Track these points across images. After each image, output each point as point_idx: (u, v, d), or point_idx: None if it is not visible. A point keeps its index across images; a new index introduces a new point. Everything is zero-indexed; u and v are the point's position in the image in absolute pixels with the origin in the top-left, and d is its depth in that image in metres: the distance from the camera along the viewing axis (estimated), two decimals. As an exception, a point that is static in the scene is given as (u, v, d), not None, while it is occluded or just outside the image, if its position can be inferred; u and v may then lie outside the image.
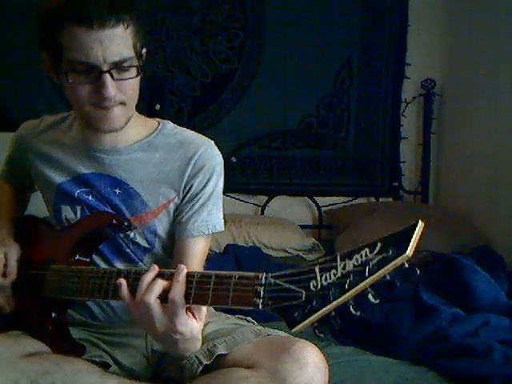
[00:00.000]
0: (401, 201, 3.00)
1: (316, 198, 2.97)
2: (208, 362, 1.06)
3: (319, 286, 0.75)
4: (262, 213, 2.94)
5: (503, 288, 1.90)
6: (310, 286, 0.76)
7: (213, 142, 1.24)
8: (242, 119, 2.92)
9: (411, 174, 3.03)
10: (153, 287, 0.91)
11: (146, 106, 2.80)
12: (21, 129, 1.32)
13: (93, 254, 1.18)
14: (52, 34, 1.03)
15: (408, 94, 2.96)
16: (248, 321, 1.30)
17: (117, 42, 1.02)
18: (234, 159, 2.85)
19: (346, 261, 0.74)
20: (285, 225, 2.70)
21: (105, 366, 1.12)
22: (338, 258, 0.75)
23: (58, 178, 1.22)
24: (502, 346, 1.45)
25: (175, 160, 1.19)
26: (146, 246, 1.21)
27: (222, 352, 1.07)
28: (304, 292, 0.76)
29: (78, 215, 1.21)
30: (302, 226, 2.83)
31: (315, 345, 1.04)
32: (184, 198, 1.20)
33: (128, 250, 1.21)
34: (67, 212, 1.22)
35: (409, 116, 2.98)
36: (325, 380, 1.00)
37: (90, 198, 1.20)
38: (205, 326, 1.18)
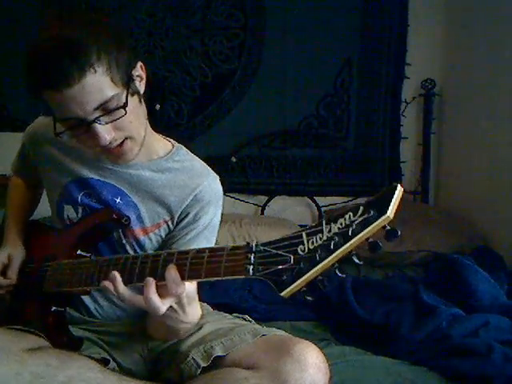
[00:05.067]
0: (401, 201, 2.99)
1: (316, 198, 2.97)
2: (206, 365, 1.06)
3: (306, 250, 0.77)
4: (262, 213, 2.94)
5: (503, 288, 1.90)
6: (297, 250, 0.78)
7: (218, 176, 1.26)
8: (242, 119, 2.91)
9: (411, 174, 3.03)
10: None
11: (146, 106, 2.79)
12: (34, 125, 1.32)
13: (94, 248, 1.20)
14: (38, 98, 1.04)
15: (408, 94, 2.96)
16: (246, 320, 1.30)
17: (90, 91, 0.99)
18: (233, 159, 2.84)
19: (332, 224, 0.77)
20: (285, 225, 2.70)
21: (104, 363, 1.13)
22: (324, 222, 0.78)
23: (63, 179, 1.24)
24: (501, 346, 1.45)
25: (178, 186, 1.21)
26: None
27: (219, 354, 1.07)
28: (292, 256, 0.78)
29: (80, 215, 1.23)
30: (302, 226, 2.82)
31: (315, 345, 1.04)
32: (178, 224, 1.22)
33: (121, 251, 1.23)
34: (69, 211, 1.24)
35: (409, 116, 2.98)
36: (325, 381, 1.00)
37: (92, 201, 1.22)
38: (202, 326, 1.19)
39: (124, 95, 1.03)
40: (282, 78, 2.91)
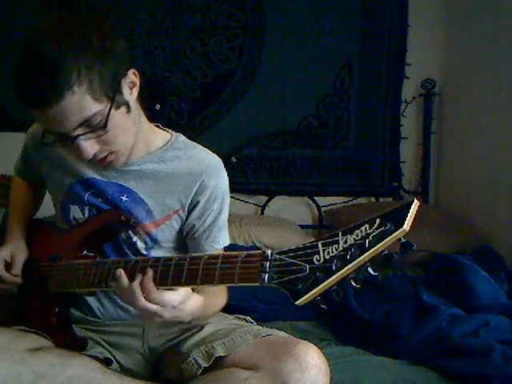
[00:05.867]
0: (401, 201, 3.00)
1: (316, 198, 2.97)
2: (207, 365, 1.06)
3: (322, 260, 0.78)
4: (262, 213, 2.94)
5: (503, 288, 1.90)
6: (313, 259, 0.78)
7: (220, 159, 1.26)
8: (242, 119, 2.91)
9: (411, 174, 3.03)
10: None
11: (146, 106, 2.79)
12: (36, 125, 1.30)
13: (100, 249, 1.19)
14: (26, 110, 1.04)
15: (408, 93, 2.96)
16: (247, 321, 1.30)
17: (69, 111, 0.98)
18: (233, 159, 2.85)
19: (348, 236, 0.77)
20: (285, 225, 2.70)
21: (106, 363, 1.13)
22: (340, 233, 0.78)
23: (67, 179, 1.24)
24: (502, 346, 1.45)
25: (183, 174, 1.21)
26: (144, 252, 1.23)
27: (221, 354, 1.07)
28: (308, 266, 0.78)
29: (86, 215, 1.23)
30: (302, 226, 2.83)
31: (315, 345, 1.04)
32: (191, 213, 1.22)
33: (128, 251, 1.23)
34: (75, 211, 1.23)
35: (409, 116, 2.98)
36: (326, 382, 1.00)
37: (99, 200, 1.22)
38: (203, 327, 1.20)
39: (107, 111, 1.02)
40: (281, 77, 2.90)
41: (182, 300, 1.00)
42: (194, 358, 1.09)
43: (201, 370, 1.07)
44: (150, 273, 0.97)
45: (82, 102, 0.98)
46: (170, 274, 0.95)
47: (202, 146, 1.28)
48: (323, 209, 2.96)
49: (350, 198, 2.96)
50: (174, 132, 1.29)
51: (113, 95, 1.02)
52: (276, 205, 2.95)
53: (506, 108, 2.48)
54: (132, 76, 1.09)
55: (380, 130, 2.98)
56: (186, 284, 0.95)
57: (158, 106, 2.84)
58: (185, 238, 1.26)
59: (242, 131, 2.91)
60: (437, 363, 1.44)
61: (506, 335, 1.55)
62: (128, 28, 2.83)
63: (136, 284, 0.97)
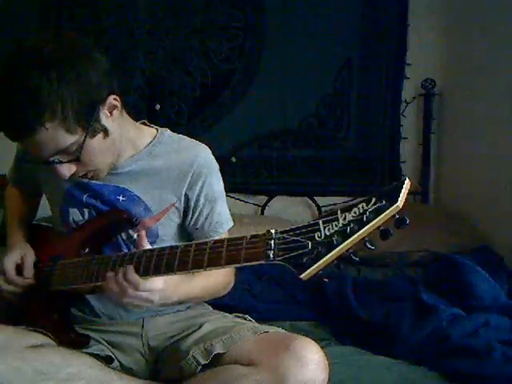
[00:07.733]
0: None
1: (316, 198, 2.97)
2: (206, 362, 1.07)
3: (323, 236, 0.83)
4: (262, 213, 2.94)
5: (503, 288, 1.90)
6: (314, 236, 0.83)
7: (208, 147, 1.28)
8: (242, 119, 2.91)
9: (411, 174, 3.02)
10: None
11: (146, 106, 2.80)
12: None
13: (102, 247, 1.20)
14: None
15: (408, 94, 2.95)
16: (246, 319, 1.30)
17: (42, 144, 1.02)
18: (233, 159, 2.84)
19: (346, 213, 0.82)
20: (285, 225, 2.69)
21: (108, 361, 1.14)
22: (339, 211, 0.84)
23: (63, 183, 1.24)
24: (502, 346, 1.45)
25: (175, 167, 1.22)
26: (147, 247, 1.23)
27: (219, 351, 1.08)
28: (310, 242, 0.83)
29: (86, 217, 1.24)
30: (302, 226, 2.82)
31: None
32: (189, 203, 1.23)
33: (127, 251, 1.23)
34: (75, 214, 1.25)
35: (409, 116, 2.97)
36: (325, 377, 1.00)
37: (98, 202, 1.23)
38: (202, 325, 1.20)
39: (82, 140, 1.04)
40: (281, 77, 2.90)
41: (164, 282, 1.04)
42: (193, 356, 1.09)
43: (200, 368, 1.08)
44: (131, 266, 1.02)
45: (55, 136, 1.01)
46: (176, 262, 0.97)
47: (188, 138, 1.29)
48: (323, 209, 2.95)
49: (350, 198, 2.95)
50: (159, 127, 1.30)
51: (88, 126, 1.04)
52: (276, 205, 2.95)
53: (505, 108, 2.48)
54: (112, 101, 1.09)
55: (380, 130, 2.98)
56: (193, 269, 0.96)
57: (157, 106, 2.84)
58: (190, 230, 1.27)
59: (241, 131, 2.91)
60: (437, 363, 1.44)
61: (506, 335, 1.55)
62: (128, 28, 2.83)
63: (120, 278, 1.01)
